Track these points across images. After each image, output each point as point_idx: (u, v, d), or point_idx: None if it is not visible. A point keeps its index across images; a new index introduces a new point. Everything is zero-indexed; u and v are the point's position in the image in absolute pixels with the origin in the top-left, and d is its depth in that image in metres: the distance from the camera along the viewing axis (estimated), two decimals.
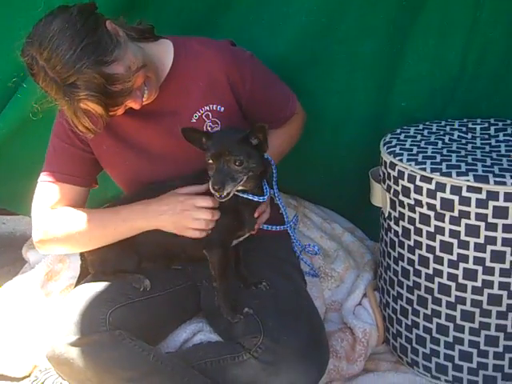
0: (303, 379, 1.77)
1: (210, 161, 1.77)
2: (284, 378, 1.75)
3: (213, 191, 1.74)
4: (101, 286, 1.88)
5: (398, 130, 2.19)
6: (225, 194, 1.74)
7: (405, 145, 2.07)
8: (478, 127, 2.21)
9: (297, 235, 2.14)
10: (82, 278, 2.00)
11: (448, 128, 2.21)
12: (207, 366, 1.81)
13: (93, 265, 1.96)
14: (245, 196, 1.83)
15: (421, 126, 2.23)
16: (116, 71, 1.69)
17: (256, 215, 1.88)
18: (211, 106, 1.92)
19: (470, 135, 2.16)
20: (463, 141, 2.11)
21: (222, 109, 1.92)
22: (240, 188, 1.80)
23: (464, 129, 2.20)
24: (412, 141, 2.10)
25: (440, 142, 2.09)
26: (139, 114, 1.87)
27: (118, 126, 1.91)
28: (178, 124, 1.87)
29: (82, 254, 2.03)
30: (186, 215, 1.81)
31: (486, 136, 2.15)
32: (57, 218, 1.91)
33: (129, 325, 1.79)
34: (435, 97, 2.32)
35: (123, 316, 1.80)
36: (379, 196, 2.15)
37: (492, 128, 2.19)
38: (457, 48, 2.24)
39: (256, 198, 1.84)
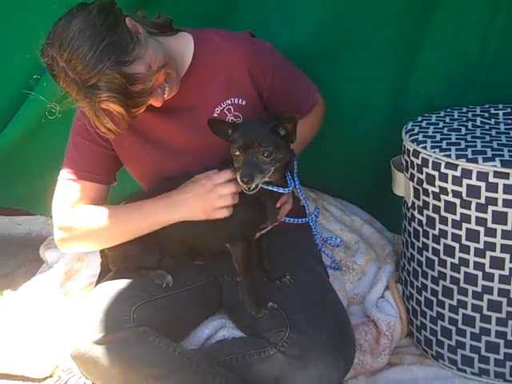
0: (331, 373, 1.74)
1: (237, 152, 1.74)
2: (311, 372, 1.72)
3: (241, 184, 1.71)
4: (123, 282, 1.86)
5: (420, 118, 2.16)
6: (253, 186, 1.71)
7: (427, 132, 2.03)
8: (500, 112, 2.17)
9: (318, 228, 2.11)
10: (103, 276, 1.98)
11: (470, 114, 2.18)
12: (233, 362, 1.79)
13: (114, 262, 1.94)
14: (269, 188, 1.80)
15: (442, 113, 2.19)
16: (137, 71, 1.67)
17: (278, 205, 1.85)
18: (232, 99, 1.89)
19: (493, 121, 2.12)
20: (486, 126, 2.07)
21: (244, 102, 1.89)
22: (266, 180, 1.77)
23: (486, 114, 2.17)
24: (434, 128, 2.07)
25: (463, 129, 2.05)
26: (160, 110, 1.84)
27: (139, 122, 1.88)
28: (199, 118, 1.85)
29: (102, 252, 2.02)
30: (211, 196, 1.78)
31: (510, 121, 2.11)
32: (78, 215, 1.89)
33: (153, 321, 1.77)
34: (454, 84, 2.29)
35: (147, 313, 1.78)
36: (402, 185, 2.11)
37: None
38: (476, 35, 2.21)
39: (281, 190, 1.82)
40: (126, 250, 1.88)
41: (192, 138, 1.89)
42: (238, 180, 1.71)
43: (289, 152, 1.81)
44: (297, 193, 1.97)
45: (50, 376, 2.02)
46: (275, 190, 1.81)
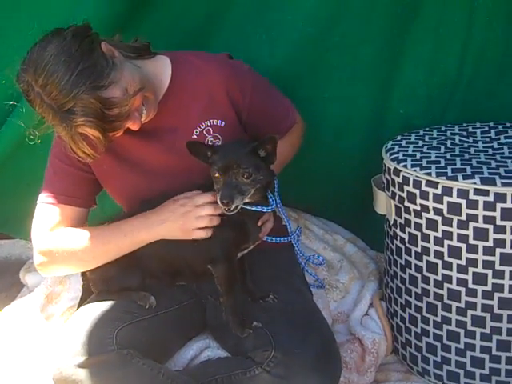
0: None
1: (217, 174, 1.74)
2: None
3: (221, 205, 1.71)
4: (106, 305, 1.84)
5: (399, 137, 2.18)
6: (233, 207, 1.71)
7: (407, 151, 2.05)
8: (478, 131, 2.20)
9: (300, 247, 2.11)
10: (85, 299, 1.96)
11: (449, 133, 2.20)
12: (218, 382, 1.78)
13: (95, 284, 1.92)
14: (251, 208, 1.80)
15: (421, 132, 2.21)
16: (113, 95, 1.67)
17: (259, 224, 1.85)
18: (212, 120, 1.89)
19: (471, 139, 2.15)
20: (465, 145, 2.10)
21: (223, 123, 1.90)
22: (246, 200, 1.77)
23: (465, 133, 2.19)
24: (414, 147, 2.09)
25: (442, 147, 2.08)
26: (139, 133, 1.84)
27: (118, 145, 1.88)
28: (178, 140, 1.85)
29: (83, 274, 1.99)
30: (190, 216, 1.78)
31: (488, 139, 2.14)
32: (57, 238, 1.87)
33: (136, 344, 1.75)
34: (433, 103, 2.32)
35: (130, 335, 1.76)
36: (383, 203, 2.13)
37: (492, 131, 2.18)
38: (454, 52, 2.24)
39: (264, 209, 1.82)
40: (107, 271, 1.87)
41: (172, 160, 1.89)
42: (218, 201, 1.71)
43: (269, 172, 1.81)
44: (278, 212, 1.97)
45: None
46: (257, 209, 1.81)
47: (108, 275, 1.88)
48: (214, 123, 1.89)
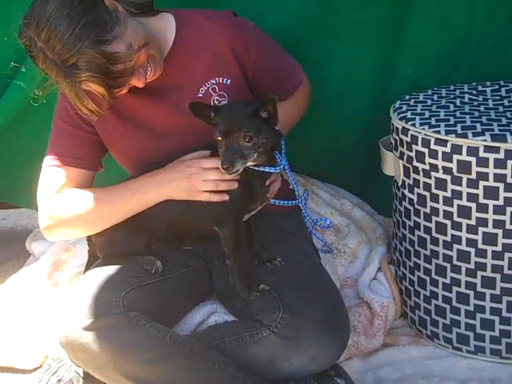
0: (325, 353, 1.72)
1: (219, 138, 1.72)
2: (306, 353, 1.70)
3: (222, 170, 1.69)
4: (112, 269, 1.82)
5: (407, 97, 2.14)
6: (234, 171, 1.69)
7: (416, 110, 2.02)
8: (488, 89, 2.16)
9: (308, 210, 2.09)
10: (91, 264, 1.94)
11: (458, 92, 2.16)
12: (226, 345, 1.76)
13: (101, 248, 1.90)
14: (258, 169, 1.77)
15: (430, 92, 2.18)
16: (117, 50, 1.64)
17: (267, 184, 1.82)
18: (217, 78, 1.86)
19: (481, 97, 2.11)
20: (475, 103, 2.06)
21: (229, 81, 1.86)
22: (250, 164, 1.74)
23: (474, 91, 2.15)
24: (423, 106, 2.05)
25: (452, 106, 2.04)
26: (143, 92, 1.81)
27: (122, 104, 1.85)
28: (183, 99, 1.81)
29: (89, 239, 1.98)
30: (195, 178, 1.76)
31: (498, 97, 2.10)
32: (63, 200, 1.85)
33: (143, 307, 1.74)
34: (441, 63, 2.28)
35: (137, 298, 1.74)
36: (391, 165, 2.10)
37: (503, 89, 2.14)
38: (462, 11, 2.19)
39: (271, 170, 1.79)
40: (113, 235, 1.85)
41: (176, 120, 1.86)
42: (219, 166, 1.69)
43: (273, 134, 1.77)
44: (285, 174, 1.94)
45: (40, 366, 1.99)
46: (265, 170, 1.78)
47: (114, 239, 1.86)
48: (220, 81, 1.86)
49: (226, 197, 1.77)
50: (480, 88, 2.18)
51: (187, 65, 1.86)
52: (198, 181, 1.76)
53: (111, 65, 1.63)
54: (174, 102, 1.86)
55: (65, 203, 1.84)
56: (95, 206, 1.81)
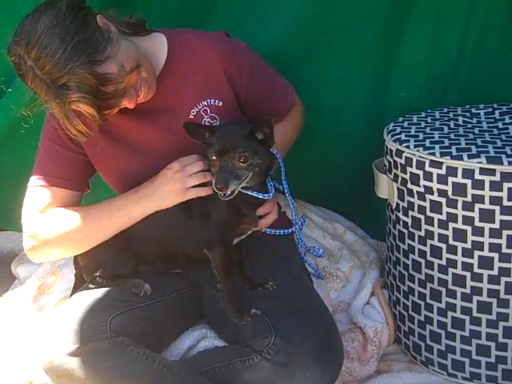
0: (319, 380, 1.68)
1: (214, 157, 1.70)
2: (298, 380, 1.66)
3: (216, 190, 1.67)
4: (99, 292, 1.79)
5: (401, 119, 2.13)
6: (228, 192, 1.67)
7: (410, 132, 2.00)
8: (481, 112, 2.15)
9: (302, 237, 2.07)
10: (78, 288, 1.91)
11: (451, 114, 2.15)
12: (216, 371, 1.72)
13: (88, 270, 1.86)
14: (249, 193, 1.75)
15: (423, 114, 2.16)
16: (109, 70, 1.61)
17: (261, 213, 1.81)
18: (209, 100, 1.84)
19: (475, 120, 2.10)
20: (469, 125, 2.05)
21: (221, 103, 1.85)
22: (243, 185, 1.72)
23: (468, 114, 2.14)
24: (417, 128, 2.03)
25: (446, 128, 2.02)
26: (134, 112, 1.79)
27: (112, 125, 1.82)
28: (175, 121, 1.80)
29: (76, 262, 1.94)
30: (180, 176, 1.75)
31: (492, 120, 2.09)
32: (48, 219, 1.82)
33: (130, 332, 1.70)
34: (434, 85, 2.27)
35: (124, 323, 1.70)
36: (385, 187, 2.07)
37: (496, 112, 2.13)
38: (455, 33, 2.19)
39: (261, 196, 1.77)
40: (100, 258, 1.82)
41: (167, 142, 1.84)
42: (213, 186, 1.67)
43: (268, 156, 1.76)
44: (280, 198, 1.92)
45: None
46: (254, 195, 1.76)
47: (101, 262, 1.83)
48: (212, 103, 1.84)
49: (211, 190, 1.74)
50: (474, 110, 2.16)
51: (179, 86, 1.84)
52: (184, 178, 1.75)
53: (102, 86, 1.60)
54: (164, 123, 1.84)
55: (50, 222, 1.81)
56: (81, 224, 1.78)
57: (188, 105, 1.84)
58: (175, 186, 1.74)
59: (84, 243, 1.81)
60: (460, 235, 1.85)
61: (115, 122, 1.81)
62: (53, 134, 1.84)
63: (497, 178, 1.76)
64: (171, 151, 1.83)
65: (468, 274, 1.87)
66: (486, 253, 1.84)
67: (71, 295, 1.93)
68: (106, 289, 1.79)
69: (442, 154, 1.83)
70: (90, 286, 1.82)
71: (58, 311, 2.02)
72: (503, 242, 1.81)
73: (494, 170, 1.76)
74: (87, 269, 1.86)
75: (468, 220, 1.83)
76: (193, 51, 1.85)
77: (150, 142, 1.85)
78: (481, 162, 1.78)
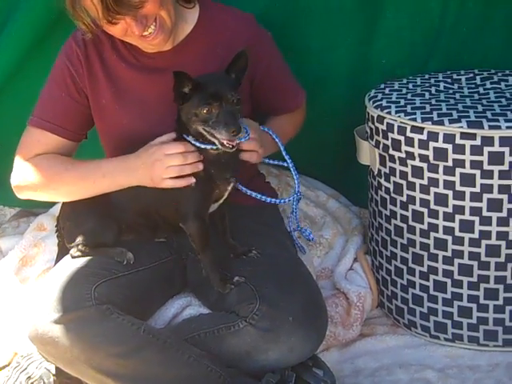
0: (303, 345, 1.69)
1: (205, 109, 1.64)
2: (283, 345, 1.67)
3: (228, 138, 1.63)
4: (82, 261, 1.78)
5: (382, 85, 2.13)
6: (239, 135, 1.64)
7: (391, 98, 2.00)
8: (463, 78, 2.15)
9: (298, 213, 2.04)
10: (61, 258, 1.88)
11: (433, 80, 2.15)
12: (201, 337, 1.72)
13: (70, 235, 1.84)
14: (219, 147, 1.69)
15: (405, 80, 2.16)
16: None
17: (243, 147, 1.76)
18: None
19: (456, 85, 2.10)
20: (450, 91, 2.05)
21: None
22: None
23: (449, 80, 2.14)
24: (398, 94, 2.04)
25: (427, 94, 2.03)
26: (146, 69, 1.81)
27: (121, 79, 1.83)
28: None
29: (58, 232, 1.93)
30: (158, 166, 1.72)
31: (473, 85, 2.09)
32: (37, 165, 1.84)
33: (115, 300, 1.69)
34: (416, 51, 2.27)
35: (108, 291, 1.70)
36: (367, 154, 2.08)
37: (477, 77, 2.13)
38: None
39: (241, 139, 1.71)
40: (82, 225, 1.81)
41: (173, 105, 1.78)
42: (224, 135, 1.63)
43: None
44: (292, 171, 1.94)
45: (9, 364, 1.92)
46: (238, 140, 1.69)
47: (83, 229, 1.82)
48: None
49: (193, 180, 1.72)
50: (455, 76, 2.17)
51: (199, 55, 1.85)
52: (161, 168, 1.72)
53: None
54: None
55: (39, 169, 1.83)
56: (66, 179, 1.82)
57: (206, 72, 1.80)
58: (152, 174, 1.73)
59: (68, 196, 1.85)
60: (441, 200, 1.87)
61: (124, 77, 1.82)
62: (60, 79, 1.86)
63: (477, 142, 1.78)
64: (174, 117, 1.78)
65: (449, 238, 1.90)
66: (466, 216, 1.86)
67: (55, 265, 1.92)
68: (90, 258, 1.78)
69: (423, 120, 1.84)
70: (73, 254, 1.81)
71: (41, 281, 2.01)
72: (483, 205, 1.83)
73: (475, 135, 1.77)
74: (69, 236, 1.85)
75: (449, 184, 1.85)
76: (221, 26, 1.87)
77: (156, 103, 1.83)
78: (461, 127, 1.79)
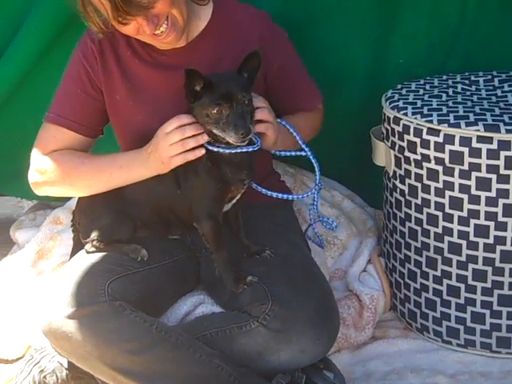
0: (315, 346, 1.69)
1: (216, 108, 1.64)
2: (295, 346, 1.67)
3: (238, 139, 1.62)
4: (97, 256, 1.79)
5: (399, 86, 2.12)
6: (250, 135, 1.64)
7: (408, 99, 1.99)
8: (480, 79, 2.13)
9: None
10: (76, 251, 1.91)
11: (450, 81, 2.13)
12: (213, 336, 1.73)
13: (85, 231, 1.86)
14: (238, 151, 1.70)
15: (422, 81, 2.15)
16: None
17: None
18: None
19: (473, 87, 2.08)
20: (468, 93, 2.04)
21: None
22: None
23: (467, 81, 2.13)
24: (415, 95, 2.02)
25: (444, 95, 2.01)
26: (160, 67, 1.81)
27: (136, 76, 1.84)
28: None
29: (74, 226, 1.95)
30: (161, 145, 1.72)
31: (491, 87, 2.07)
32: (55, 161, 1.85)
33: (128, 296, 1.70)
34: (434, 52, 2.25)
35: (122, 287, 1.71)
36: (382, 155, 2.07)
37: (496, 79, 2.11)
38: (455, 0, 2.16)
39: (249, 149, 1.71)
40: (98, 221, 1.82)
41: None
42: (234, 137, 1.63)
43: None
44: (309, 156, 1.90)
45: (22, 357, 1.94)
46: (244, 150, 1.70)
47: (99, 225, 1.83)
48: None
49: (203, 151, 1.71)
50: (473, 78, 2.15)
51: (214, 53, 1.85)
52: (165, 148, 1.71)
53: None
54: None
55: (56, 164, 1.84)
56: (83, 173, 1.84)
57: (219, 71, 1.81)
58: (161, 156, 1.72)
59: (85, 190, 1.86)
60: (456, 203, 1.86)
61: (139, 73, 1.83)
62: (76, 75, 1.86)
63: (494, 146, 1.76)
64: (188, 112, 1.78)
65: (464, 243, 1.88)
66: (481, 221, 1.84)
67: (69, 260, 1.93)
68: (104, 253, 1.80)
69: (440, 122, 1.83)
70: (88, 249, 1.83)
71: (55, 275, 2.03)
72: (499, 210, 1.82)
73: (492, 138, 1.76)
74: (85, 232, 1.86)
75: (464, 188, 1.83)
76: (235, 23, 1.87)
77: (170, 100, 1.82)
78: (478, 130, 1.77)
